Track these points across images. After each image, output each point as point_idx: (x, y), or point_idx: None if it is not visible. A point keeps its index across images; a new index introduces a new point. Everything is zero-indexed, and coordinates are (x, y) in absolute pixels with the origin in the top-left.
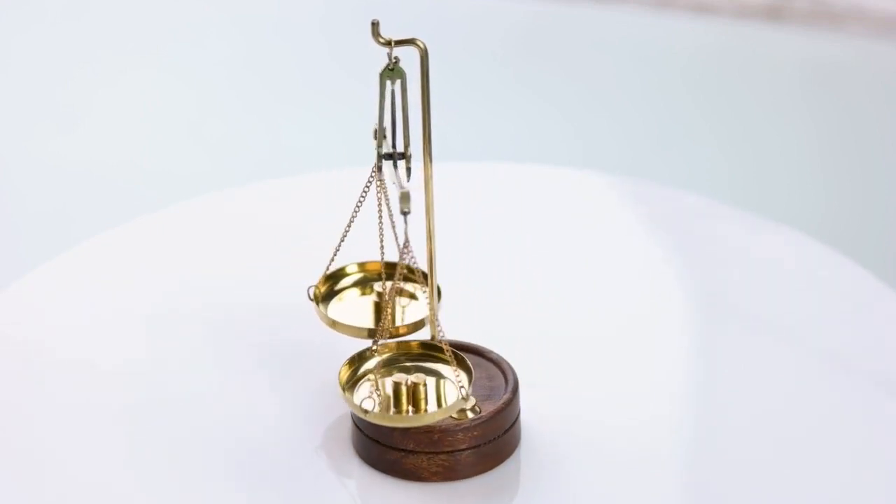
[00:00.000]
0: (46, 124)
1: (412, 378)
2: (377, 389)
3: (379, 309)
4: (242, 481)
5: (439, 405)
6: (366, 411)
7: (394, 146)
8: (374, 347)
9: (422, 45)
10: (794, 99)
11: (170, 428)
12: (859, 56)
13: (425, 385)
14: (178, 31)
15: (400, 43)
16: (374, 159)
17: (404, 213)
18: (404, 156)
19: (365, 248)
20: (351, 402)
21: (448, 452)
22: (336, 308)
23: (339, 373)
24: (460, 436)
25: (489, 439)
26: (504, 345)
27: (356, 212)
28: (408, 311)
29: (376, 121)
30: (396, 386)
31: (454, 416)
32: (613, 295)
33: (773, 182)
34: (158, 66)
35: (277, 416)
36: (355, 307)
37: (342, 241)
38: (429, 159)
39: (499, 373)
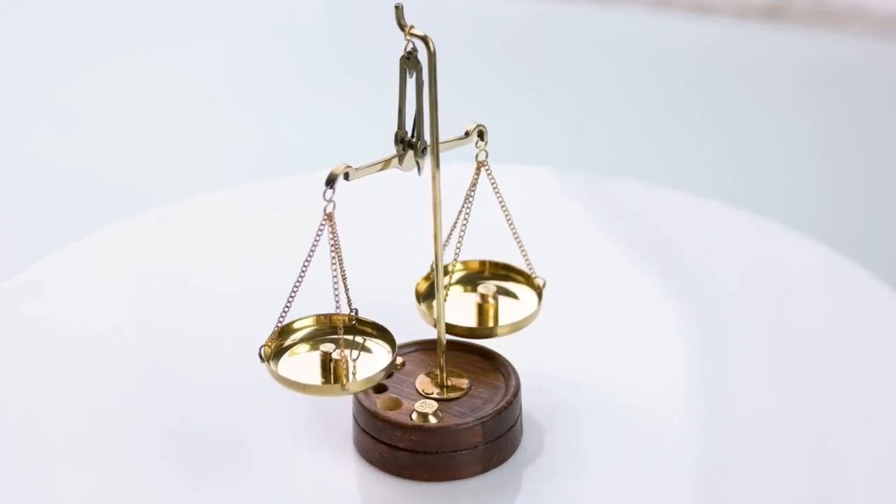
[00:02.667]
0: (46, 124)
1: (335, 353)
2: (276, 341)
3: (481, 310)
4: (240, 477)
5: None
6: (261, 358)
7: (413, 135)
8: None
9: (431, 46)
10: (794, 99)
11: (166, 424)
12: (859, 56)
13: (346, 361)
14: (178, 31)
15: (413, 35)
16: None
17: (328, 185)
18: (413, 146)
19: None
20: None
21: (387, 444)
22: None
23: (265, 346)
24: (398, 433)
25: (426, 450)
26: (506, 345)
27: (467, 208)
28: (508, 312)
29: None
30: (324, 356)
31: (412, 418)
32: (613, 295)
33: (773, 182)
34: (158, 66)
35: (277, 414)
36: (457, 306)
37: (450, 236)
38: (436, 162)
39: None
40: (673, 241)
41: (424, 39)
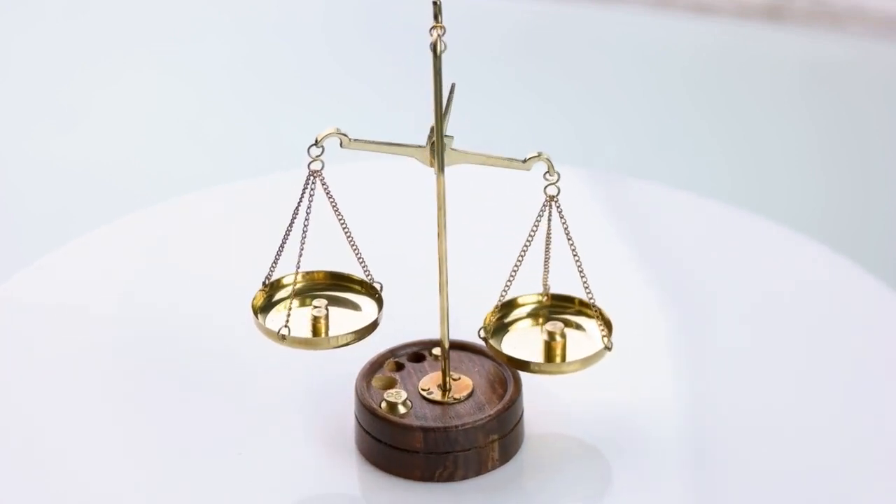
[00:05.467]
0: (46, 124)
1: (316, 309)
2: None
3: (549, 348)
4: (241, 480)
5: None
6: (263, 284)
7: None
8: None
9: (438, 49)
10: (794, 99)
11: (165, 422)
12: (859, 56)
13: (327, 316)
14: (178, 31)
15: (433, 33)
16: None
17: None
18: (431, 140)
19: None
20: (262, 327)
21: (356, 417)
22: (509, 339)
23: (254, 299)
24: (358, 407)
25: (375, 435)
26: None
27: (532, 237)
28: (577, 347)
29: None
30: (314, 309)
31: (381, 405)
32: (615, 295)
33: (773, 182)
34: (158, 66)
35: (277, 415)
36: (524, 339)
37: (519, 263)
38: (440, 165)
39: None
40: (671, 241)
41: (434, 44)
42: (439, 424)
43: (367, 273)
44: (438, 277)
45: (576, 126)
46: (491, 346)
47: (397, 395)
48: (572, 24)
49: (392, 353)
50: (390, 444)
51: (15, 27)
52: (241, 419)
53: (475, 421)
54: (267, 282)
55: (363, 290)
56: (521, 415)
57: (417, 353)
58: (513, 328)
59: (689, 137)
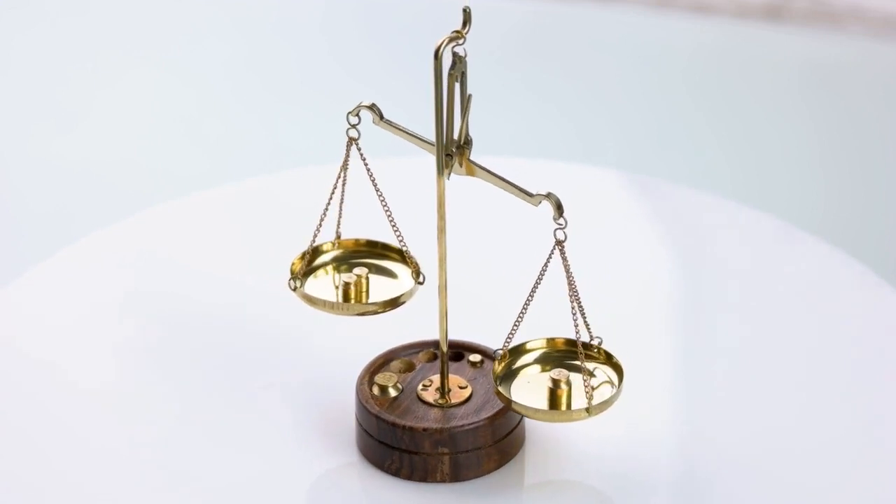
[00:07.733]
0: (46, 124)
1: (346, 276)
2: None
3: (554, 395)
4: (244, 485)
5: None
6: (335, 238)
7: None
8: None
9: (439, 53)
10: (794, 99)
11: (166, 423)
12: (859, 56)
13: (358, 285)
14: (178, 31)
15: (455, 38)
16: None
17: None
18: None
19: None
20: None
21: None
22: (517, 385)
23: (293, 263)
24: (355, 390)
25: (357, 415)
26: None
27: (540, 280)
28: (578, 396)
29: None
30: (348, 279)
31: (373, 390)
32: (618, 294)
33: (773, 182)
34: (158, 66)
35: (277, 417)
36: (536, 380)
37: (526, 307)
38: (440, 169)
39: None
40: (670, 237)
41: (436, 50)
42: (391, 419)
43: (405, 248)
44: (438, 279)
45: (576, 125)
46: (494, 380)
47: (388, 378)
48: (572, 24)
49: (435, 343)
50: (363, 427)
51: (15, 27)
52: (242, 418)
53: (424, 427)
54: (330, 238)
55: (404, 264)
56: (495, 443)
57: (458, 353)
58: (535, 368)
59: (688, 137)
